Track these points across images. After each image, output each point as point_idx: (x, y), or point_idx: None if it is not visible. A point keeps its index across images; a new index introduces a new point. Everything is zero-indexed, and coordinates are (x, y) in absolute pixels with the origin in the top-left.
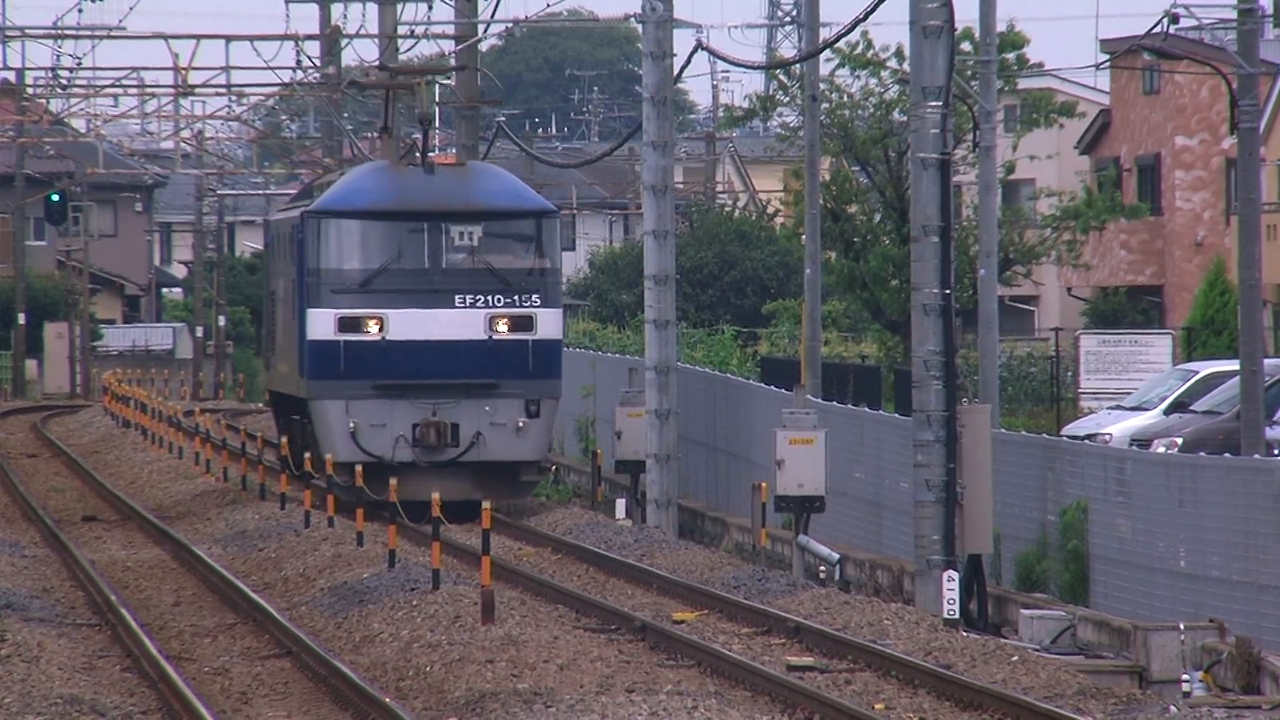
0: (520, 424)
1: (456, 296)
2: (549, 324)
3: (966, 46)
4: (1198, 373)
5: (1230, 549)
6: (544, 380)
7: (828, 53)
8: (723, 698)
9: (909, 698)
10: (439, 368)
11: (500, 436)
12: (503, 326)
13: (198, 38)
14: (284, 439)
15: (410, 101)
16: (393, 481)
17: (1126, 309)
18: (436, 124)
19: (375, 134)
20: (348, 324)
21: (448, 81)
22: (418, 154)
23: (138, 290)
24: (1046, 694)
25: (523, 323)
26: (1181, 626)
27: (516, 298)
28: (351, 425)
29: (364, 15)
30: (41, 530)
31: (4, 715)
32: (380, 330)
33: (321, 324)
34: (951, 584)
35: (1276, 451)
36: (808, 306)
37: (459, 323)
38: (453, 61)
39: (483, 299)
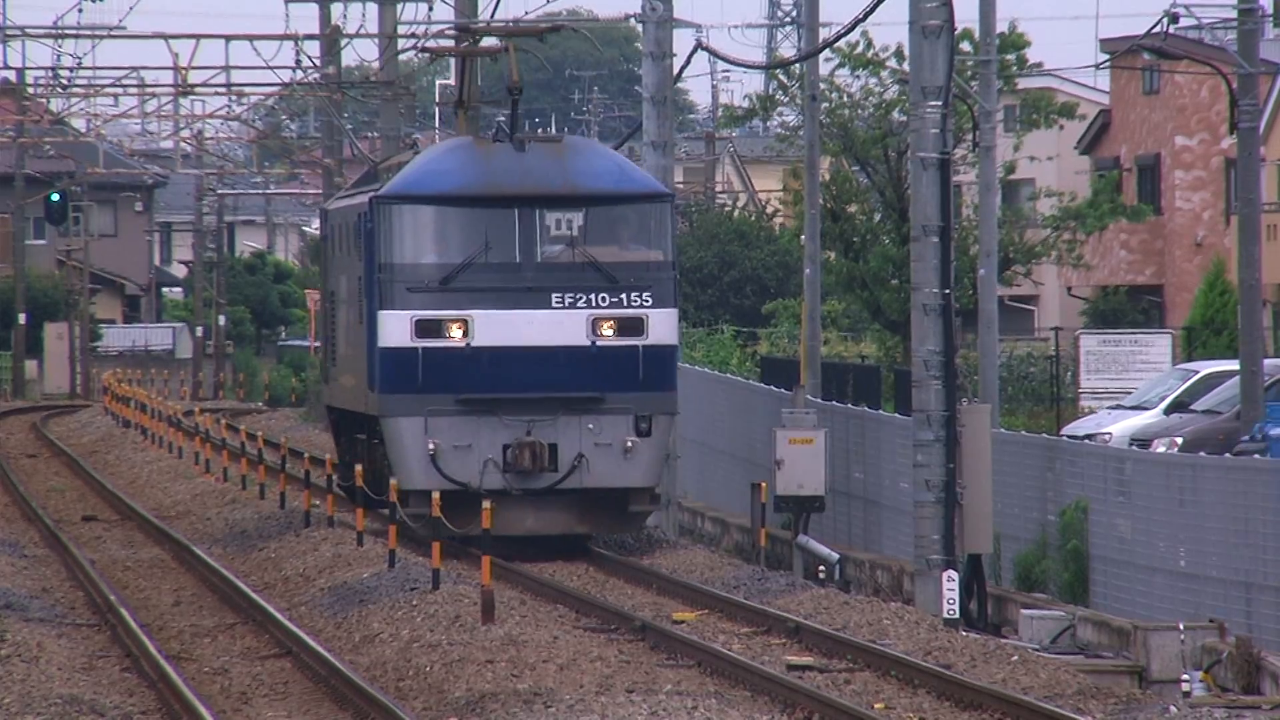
0: (629, 444)
1: (554, 295)
2: (662, 327)
3: (966, 46)
4: (1198, 373)
5: (1230, 549)
6: (657, 393)
7: (828, 53)
8: (723, 698)
9: (909, 698)
10: (533, 379)
11: (606, 459)
12: (608, 330)
13: (198, 37)
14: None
15: (409, 101)
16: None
17: (1126, 309)
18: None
19: (371, 136)
20: (426, 328)
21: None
22: (494, 130)
23: (138, 290)
24: (1046, 694)
25: (632, 325)
26: (1181, 626)
27: (624, 296)
28: (431, 447)
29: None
30: (41, 530)
31: (4, 715)
32: (464, 335)
33: (395, 328)
34: (951, 584)
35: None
36: (807, 306)
37: (557, 326)
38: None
39: (585, 298)
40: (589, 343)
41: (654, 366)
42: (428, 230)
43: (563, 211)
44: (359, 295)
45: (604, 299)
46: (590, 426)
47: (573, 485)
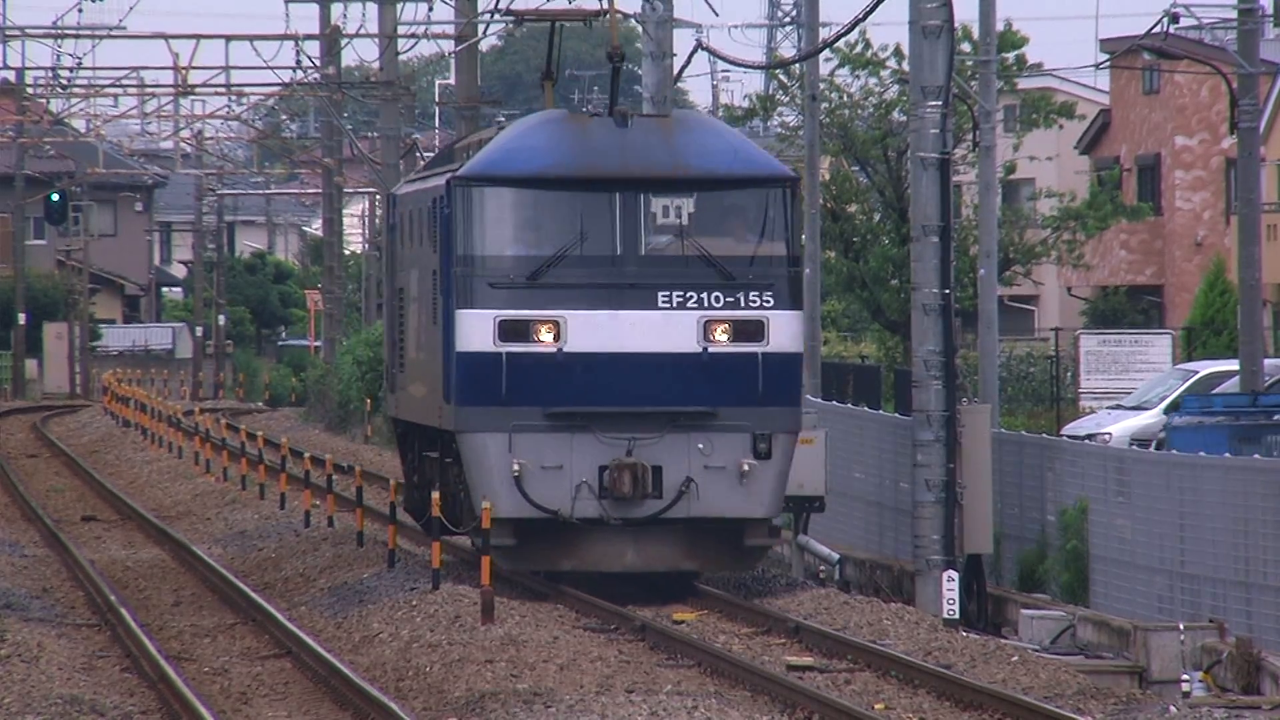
0: (746, 467)
1: (660, 294)
2: (785, 331)
3: (965, 46)
4: (1198, 373)
5: (1230, 549)
6: (778, 408)
7: (827, 53)
8: (723, 698)
9: (909, 698)
10: (635, 390)
11: (719, 484)
12: (722, 334)
13: (198, 38)
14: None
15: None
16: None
17: (1126, 309)
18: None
19: (372, 136)
20: (512, 330)
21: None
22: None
23: (138, 290)
24: (1046, 694)
25: (750, 329)
26: (1181, 626)
27: (742, 295)
28: (516, 468)
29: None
30: (41, 530)
31: (4, 715)
32: (555, 339)
33: (476, 330)
34: (951, 584)
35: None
36: (807, 306)
37: (663, 329)
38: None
39: (695, 297)
40: (700, 349)
41: (775, 377)
42: (514, 217)
43: (671, 196)
44: (433, 292)
45: (718, 298)
46: (700, 446)
47: (679, 514)
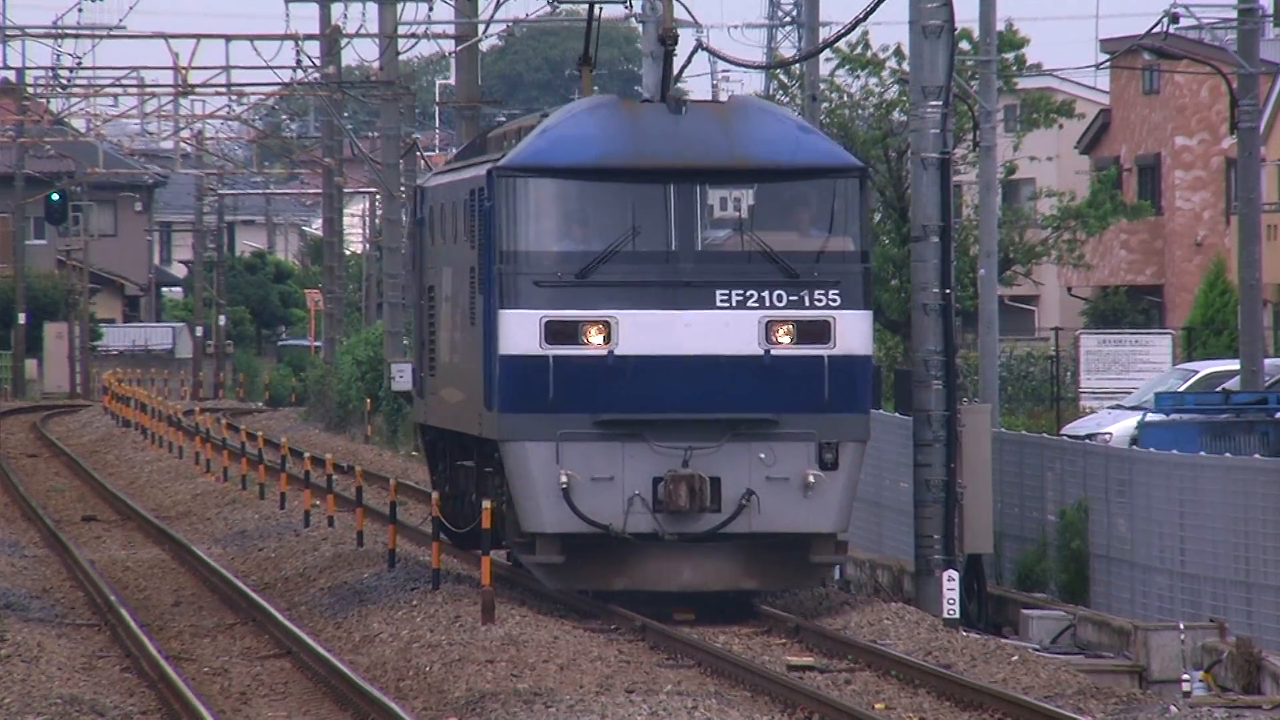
0: (811, 479)
1: (718, 292)
2: (853, 332)
3: (965, 46)
4: (1198, 373)
5: (1230, 549)
6: (846, 414)
7: (828, 53)
8: (723, 698)
9: (909, 697)
10: (692, 396)
11: (782, 496)
12: (785, 336)
13: (198, 37)
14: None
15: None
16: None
17: (1126, 309)
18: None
19: (372, 136)
20: (558, 331)
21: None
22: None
23: (138, 290)
24: (1046, 694)
25: (815, 330)
26: (1181, 626)
27: (806, 294)
28: (564, 479)
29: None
30: (41, 530)
31: (4, 715)
32: (606, 340)
33: (520, 331)
34: (951, 584)
35: None
36: None
37: (721, 330)
38: (452, 62)
39: (756, 295)
40: (761, 351)
41: (842, 382)
42: (562, 210)
43: (729, 188)
44: (470, 290)
45: (780, 297)
46: (762, 456)
47: (739, 529)
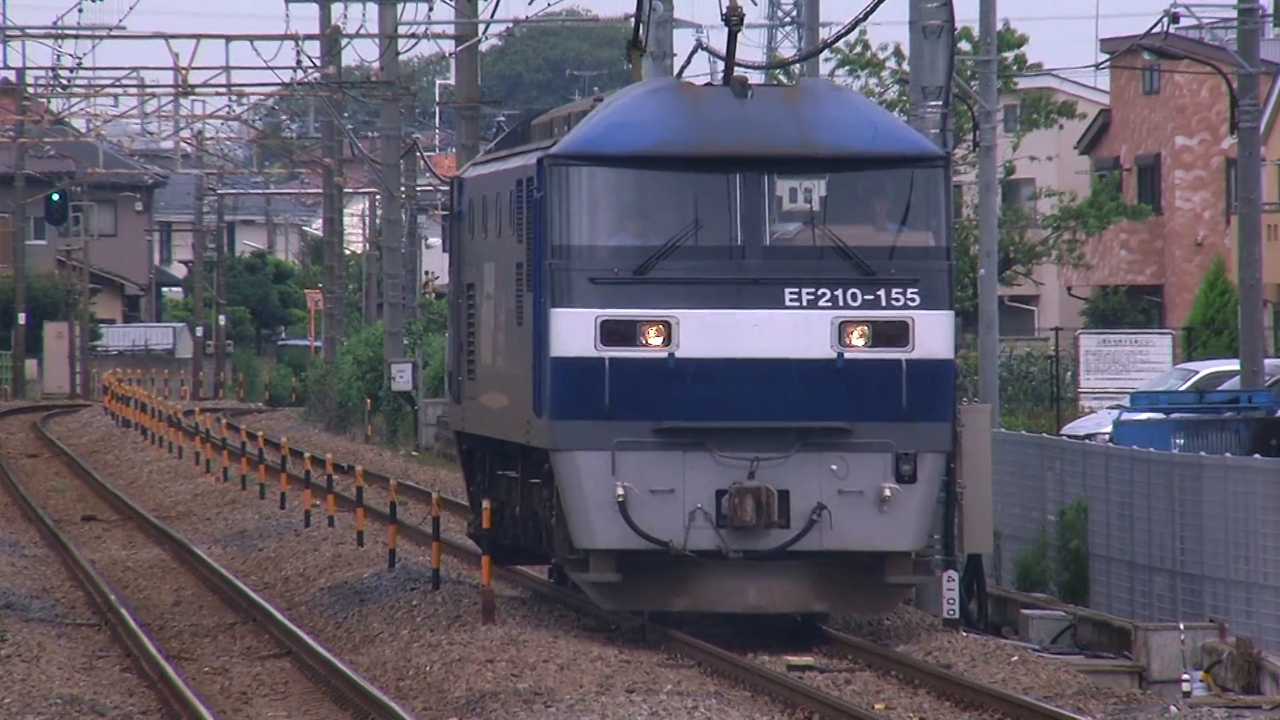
0: (887, 492)
1: (787, 291)
2: (933, 334)
3: (965, 46)
4: (1198, 373)
5: (1230, 549)
6: (925, 424)
7: (827, 53)
8: (723, 698)
9: (909, 697)
10: (759, 402)
11: (855, 511)
12: (860, 338)
13: (198, 38)
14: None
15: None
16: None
17: (1126, 309)
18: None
19: (372, 136)
20: (615, 332)
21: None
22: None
23: (138, 290)
24: (1046, 694)
25: (893, 332)
26: (1181, 626)
27: (883, 293)
28: (620, 492)
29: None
30: (41, 530)
31: (4, 715)
32: (666, 342)
33: (574, 332)
34: (951, 584)
35: None
36: None
37: (791, 332)
38: (452, 62)
39: (829, 295)
40: (834, 355)
41: (921, 388)
42: (619, 201)
43: (799, 178)
44: (516, 288)
45: (855, 296)
46: (834, 467)
47: (810, 546)
